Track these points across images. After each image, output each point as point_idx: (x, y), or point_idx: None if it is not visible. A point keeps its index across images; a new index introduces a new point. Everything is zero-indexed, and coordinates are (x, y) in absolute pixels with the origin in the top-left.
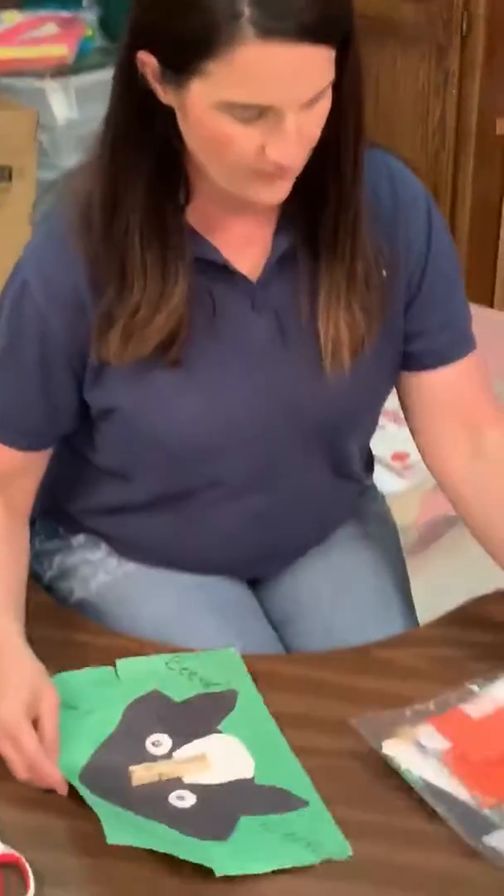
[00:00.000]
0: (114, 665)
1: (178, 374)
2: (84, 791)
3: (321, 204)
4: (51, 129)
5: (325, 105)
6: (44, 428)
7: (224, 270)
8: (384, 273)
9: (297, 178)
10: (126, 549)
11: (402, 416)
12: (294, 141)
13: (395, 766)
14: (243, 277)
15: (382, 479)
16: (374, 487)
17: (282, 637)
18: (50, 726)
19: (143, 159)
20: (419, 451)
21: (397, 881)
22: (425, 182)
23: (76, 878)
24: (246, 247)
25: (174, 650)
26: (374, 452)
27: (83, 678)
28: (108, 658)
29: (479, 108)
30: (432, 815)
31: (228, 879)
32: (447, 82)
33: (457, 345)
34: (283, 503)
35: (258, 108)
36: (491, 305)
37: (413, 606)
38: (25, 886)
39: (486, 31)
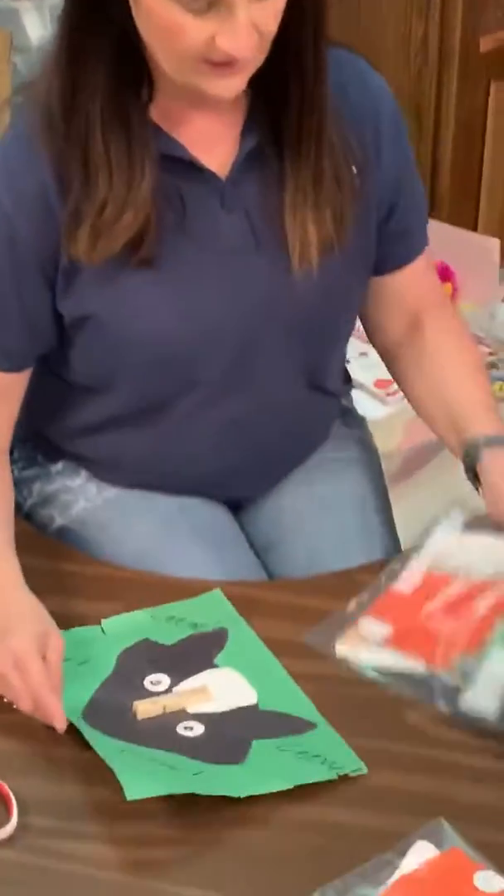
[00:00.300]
0: (99, 623)
1: (149, 275)
2: (92, 736)
3: (284, 103)
4: (25, 50)
5: None
6: (22, 345)
7: (192, 168)
8: (354, 172)
9: (261, 76)
10: (105, 471)
11: None
12: (244, 32)
13: (353, 669)
14: (212, 175)
15: (365, 405)
16: (354, 412)
17: (264, 563)
18: (56, 662)
19: (100, 50)
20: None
21: (407, 806)
22: (409, 103)
23: (61, 808)
24: (213, 145)
25: (160, 579)
26: (357, 379)
27: (70, 637)
28: (94, 587)
29: (462, 27)
30: (436, 739)
31: (233, 803)
32: (430, 2)
33: (416, 247)
34: (261, 411)
35: None
36: (475, 229)
37: (395, 531)
38: (8, 814)
39: None
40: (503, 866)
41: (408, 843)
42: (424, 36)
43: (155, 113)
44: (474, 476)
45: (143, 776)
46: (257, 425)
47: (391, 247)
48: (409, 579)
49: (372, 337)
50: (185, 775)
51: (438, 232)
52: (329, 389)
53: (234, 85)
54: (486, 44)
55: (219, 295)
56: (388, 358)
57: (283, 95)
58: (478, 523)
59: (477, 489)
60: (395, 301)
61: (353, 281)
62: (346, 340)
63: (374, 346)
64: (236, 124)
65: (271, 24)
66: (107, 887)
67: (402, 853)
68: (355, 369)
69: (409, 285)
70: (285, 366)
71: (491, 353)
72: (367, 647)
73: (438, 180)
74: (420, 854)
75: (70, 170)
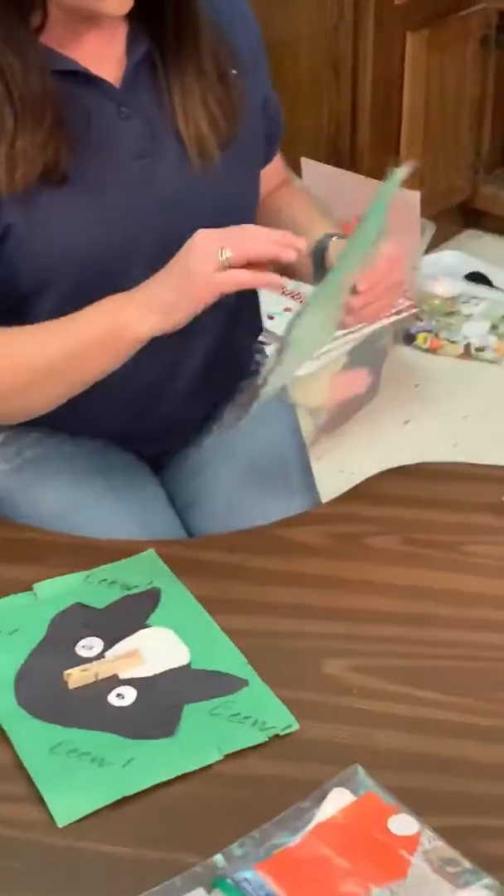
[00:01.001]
0: (31, 588)
1: (64, 191)
2: (19, 738)
3: (160, 12)
4: None
5: None
6: None
7: (88, 81)
8: (234, 72)
9: None
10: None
11: None
12: None
13: None
14: (108, 84)
15: None
16: None
17: (186, 521)
18: None
19: None
20: None
21: (325, 755)
22: (326, 57)
23: None
24: (105, 59)
25: (89, 541)
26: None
27: (2, 605)
28: (20, 552)
29: None
30: (370, 692)
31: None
32: None
33: (275, 149)
34: (182, 334)
35: None
36: None
37: (314, 484)
38: None
39: None
40: (417, 809)
41: (324, 790)
42: None
43: (48, 37)
44: (321, 267)
45: (71, 795)
46: (177, 350)
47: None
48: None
49: None
50: (114, 772)
51: (360, 185)
52: (245, 324)
53: (124, 2)
54: None
55: (130, 198)
56: None
57: (160, 7)
58: None
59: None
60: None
61: (253, 170)
62: None
63: None
64: (122, 35)
65: None
66: (28, 847)
67: (320, 801)
68: (280, 325)
69: (265, 181)
70: None
71: (412, 306)
72: None
73: (358, 133)
74: (337, 801)
75: None
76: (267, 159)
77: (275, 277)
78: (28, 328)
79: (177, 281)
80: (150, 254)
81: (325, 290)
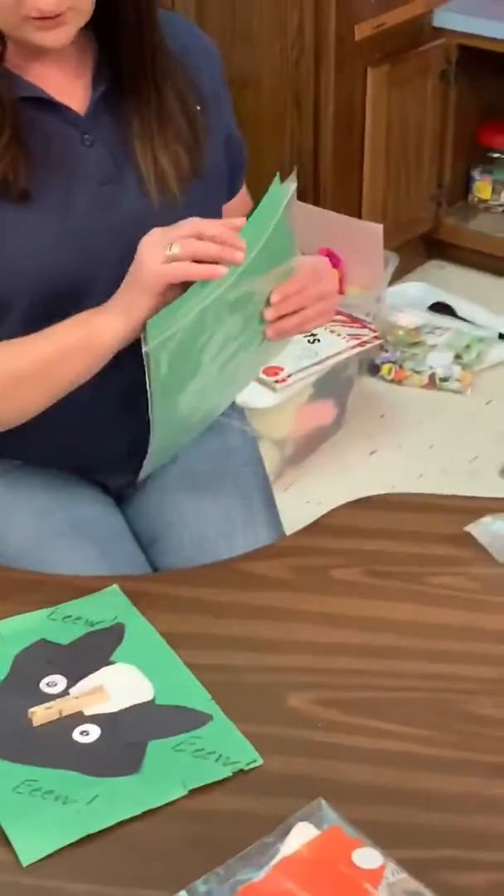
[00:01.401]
0: None
1: (22, 208)
2: None
3: (118, 49)
4: None
5: None
6: None
7: (52, 106)
8: (198, 109)
9: (100, 23)
10: None
11: None
12: None
13: None
14: (71, 112)
15: (256, 393)
16: (232, 402)
17: (150, 555)
18: None
19: None
20: None
21: (289, 789)
22: (288, 92)
23: None
24: (69, 86)
25: (50, 577)
26: None
27: None
28: None
29: (337, 16)
30: (334, 725)
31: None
32: None
33: (238, 185)
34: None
35: None
36: (359, 215)
37: (278, 516)
38: None
39: None
40: (381, 842)
41: (289, 824)
42: (300, 25)
43: (11, 62)
44: None
45: (35, 834)
46: (135, 379)
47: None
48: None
49: None
50: (79, 810)
51: (324, 219)
52: None
53: (60, 36)
54: (360, 31)
55: (90, 222)
56: None
57: (117, 41)
58: None
59: None
60: None
61: (216, 202)
62: None
63: None
64: (89, 66)
65: None
66: None
67: (284, 835)
68: None
69: (234, 211)
70: None
71: (377, 337)
72: None
73: (321, 168)
74: (301, 835)
75: None
76: (232, 192)
77: (219, 268)
78: (2, 342)
79: (130, 279)
80: (112, 276)
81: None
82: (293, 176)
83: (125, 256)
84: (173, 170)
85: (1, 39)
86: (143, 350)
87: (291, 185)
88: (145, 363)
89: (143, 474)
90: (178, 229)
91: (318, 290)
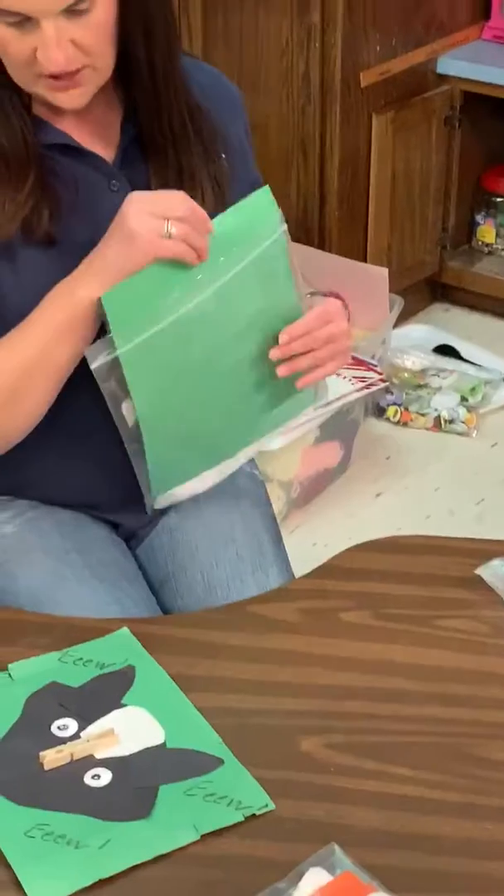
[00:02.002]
0: (5, 669)
1: (46, 252)
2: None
3: (140, 104)
4: None
5: (99, 16)
6: None
7: (80, 153)
8: (224, 157)
9: (124, 79)
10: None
11: None
12: (54, 48)
13: None
14: (100, 159)
15: None
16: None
17: (161, 597)
18: None
19: None
20: None
21: (301, 834)
22: (293, 138)
23: None
24: (99, 135)
25: (62, 620)
26: None
27: None
28: None
29: (343, 63)
30: (345, 769)
31: None
32: (310, 37)
33: None
34: None
35: (18, 15)
36: (364, 259)
37: (287, 559)
38: None
39: None
40: (393, 887)
41: (301, 870)
42: (306, 72)
43: (40, 110)
44: None
45: (48, 878)
46: None
47: None
48: None
49: None
50: (91, 855)
51: (329, 262)
52: None
53: (75, 97)
54: (366, 78)
55: None
56: None
57: (139, 98)
58: None
59: None
60: None
61: None
62: None
63: None
64: (118, 114)
65: (91, 41)
66: None
67: (296, 881)
68: None
69: None
70: None
71: (382, 379)
72: None
73: (326, 212)
74: (313, 880)
75: None
76: None
77: (203, 254)
78: None
79: (114, 239)
80: None
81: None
82: (282, 218)
83: None
84: None
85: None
86: (98, 361)
87: (281, 225)
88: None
89: (152, 496)
90: (170, 205)
91: (328, 331)
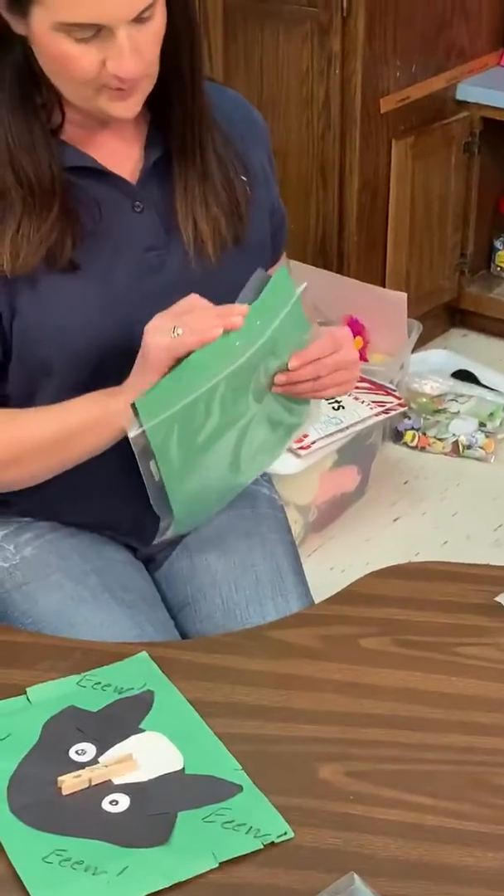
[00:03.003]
0: (24, 692)
1: (70, 275)
2: (12, 846)
3: (168, 117)
4: None
5: (157, 24)
6: None
7: (104, 176)
8: (244, 179)
9: (153, 98)
10: (21, 503)
11: None
12: (129, 54)
13: None
14: (123, 180)
15: (280, 459)
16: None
17: (180, 621)
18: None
19: (2, 86)
20: None
21: (320, 862)
22: (313, 164)
23: None
24: (123, 157)
25: (81, 644)
26: None
27: None
28: (13, 656)
29: (363, 89)
30: (364, 797)
31: None
32: (330, 64)
33: (278, 255)
34: None
35: (91, 27)
36: (382, 284)
37: (306, 584)
38: None
39: (367, 10)
40: None
41: None
42: (326, 98)
43: (68, 135)
44: None
45: None
46: None
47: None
48: None
49: None
50: (108, 881)
51: (348, 287)
52: None
53: (131, 105)
54: (385, 104)
55: (134, 288)
56: None
57: (169, 112)
58: None
59: None
60: None
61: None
62: None
63: None
64: (141, 138)
65: (152, 48)
66: None
67: None
68: None
69: None
70: None
71: (400, 404)
72: None
73: (345, 237)
74: None
75: None
76: (271, 263)
77: (213, 330)
78: (24, 409)
79: (139, 363)
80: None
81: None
82: (301, 282)
83: None
84: (211, 234)
85: (61, 112)
86: (133, 432)
87: (300, 286)
88: (133, 445)
89: (172, 533)
90: (180, 312)
91: (336, 359)
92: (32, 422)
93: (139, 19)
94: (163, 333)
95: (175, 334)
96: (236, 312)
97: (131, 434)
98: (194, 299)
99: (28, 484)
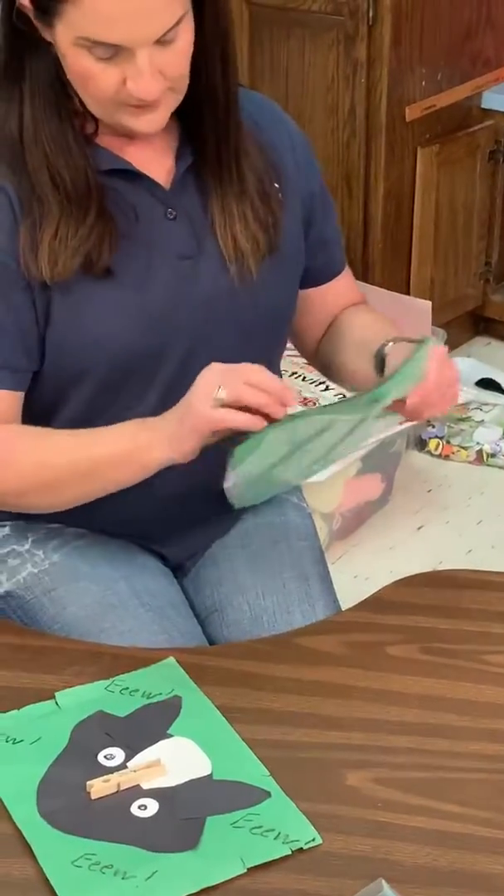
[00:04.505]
0: (53, 698)
1: (106, 283)
2: (42, 849)
3: (201, 131)
4: None
5: (184, 43)
6: (22, 362)
7: (137, 179)
8: (277, 187)
9: (185, 107)
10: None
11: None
12: (148, 76)
13: None
14: (156, 185)
15: None
16: None
17: (207, 628)
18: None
19: (33, 92)
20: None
21: (348, 868)
22: (338, 172)
23: None
24: (156, 163)
25: (109, 649)
26: None
27: (24, 715)
28: (42, 661)
29: (388, 97)
30: (392, 804)
31: None
32: (356, 72)
33: (335, 264)
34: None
35: (112, 47)
36: (407, 292)
37: (333, 591)
38: None
39: (393, 19)
40: None
41: None
42: (352, 106)
43: (103, 140)
44: (381, 371)
45: None
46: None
47: (313, 260)
48: None
49: (295, 340)
50: (137, 885)
51: (372, 295)
52: None
53: (155, 121)
54: (411, 113)
55: (169, 295)
56: (310, 352)
57: (201, 123)
58: None
59: None
60: (320, 311)
61: (292, 282)
62: (282, 351)
63: (297, 349)
64: (172, 147)
65: (177, 68)
66: None
67: None
68: None
69: (333, 301)
70: None
71: None
72: None
73: (370, 245)
74: None
75: (29, 199)
76: (332, 273)
77: (258, 422)
78: (56, 432)
79: (180, 412)
80: (183, 350)
81: (341, 413)
82: (440, 335)
83: (200, 330)
84: (251, 248)
85: (94, 119)
86: (232, 475)
87: (439, 340)
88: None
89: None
90: (231, 372)
91: (443, 378)
92: (64, 447)
93: (161, 41)
94: (207, 395)
95: (218, 396)
96: (284, 399)
97: (226, 485)
98: (258, 370)
99: (53, 509)
